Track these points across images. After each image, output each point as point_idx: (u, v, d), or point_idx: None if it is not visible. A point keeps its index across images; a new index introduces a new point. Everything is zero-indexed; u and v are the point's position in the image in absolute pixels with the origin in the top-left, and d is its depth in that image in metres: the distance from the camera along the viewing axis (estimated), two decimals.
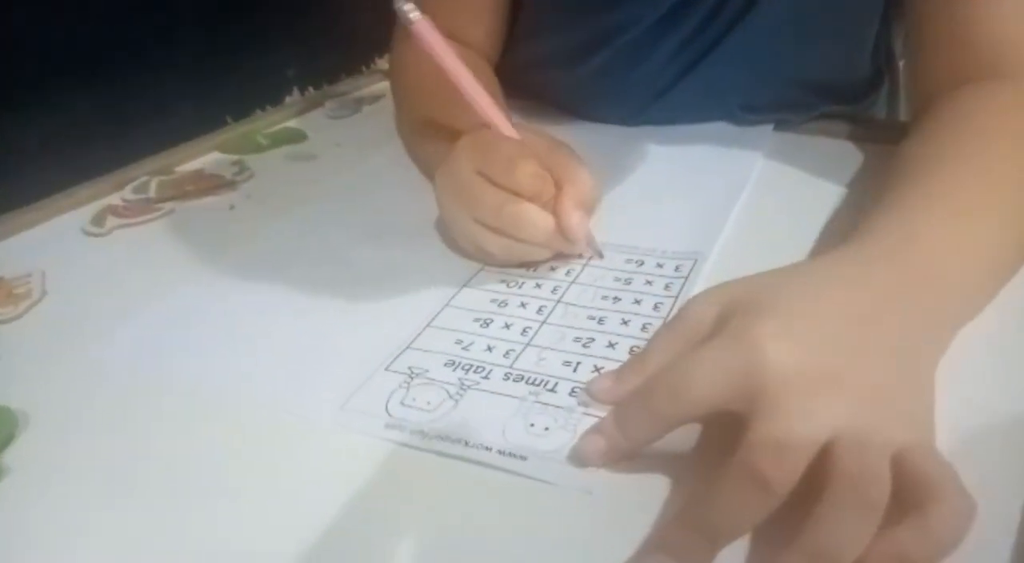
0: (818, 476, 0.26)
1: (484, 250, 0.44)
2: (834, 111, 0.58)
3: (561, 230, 0.42)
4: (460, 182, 0.44)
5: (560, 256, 0.45)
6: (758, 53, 0.55)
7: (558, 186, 0.42)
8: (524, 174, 0.41)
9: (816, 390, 0.28)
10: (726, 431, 0.29)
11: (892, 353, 0.30)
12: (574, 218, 0.42)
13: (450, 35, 0.61)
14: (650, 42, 0.58)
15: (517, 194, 0.42)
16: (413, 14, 0.43)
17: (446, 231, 0.48)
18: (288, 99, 0.85)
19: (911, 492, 0.26)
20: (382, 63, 0.92)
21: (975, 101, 0.42)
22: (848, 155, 0.54)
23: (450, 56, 0.43)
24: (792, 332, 0.29)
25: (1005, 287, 0.37)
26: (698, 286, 0.42)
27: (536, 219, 0.42)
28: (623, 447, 0.31)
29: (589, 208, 0.44)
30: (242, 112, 0.79)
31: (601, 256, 0.45)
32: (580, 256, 0.46)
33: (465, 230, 0.45)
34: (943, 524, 0.25)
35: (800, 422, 0.27)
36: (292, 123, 0.72)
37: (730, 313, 0.31)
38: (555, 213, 0.42)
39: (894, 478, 0.26)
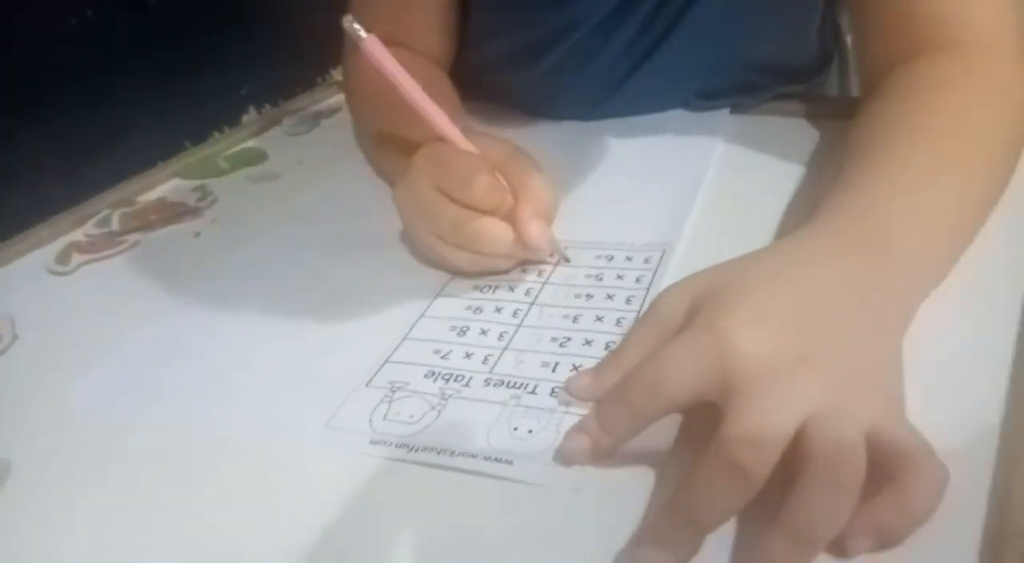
0: (796, 456, 0.27)
1: (450, 264, 0.45)
2: (788, 91, 0.59)
3: (522, 241, 0.42)
4: (418, 199, 0.44)
5: (528, 262, 0.46)
6: (709, 39, 0.56)
7: (516, 195, 0.43)
8: (480, 188, 0.41)
9: (786, 373, 0.28)
10: (705, 420, 0.30)
11: (858, 329, 0.31)
12: (533, 228, 0.42)
13: (401, 43, 0.61)
14: (601, 37, 0.59)
15: (475, 208, 0.42)
16: (362, 31, 0.43)
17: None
18: (245, 118, 0.84)
19: (886, 464, 0.27)
20: (337, 74, 0.91)
21: (917, 77, 0.43)
22: (805, 133, 0.55)
23: (400, 72, 0.43)
24: (758, 318, 0.30)
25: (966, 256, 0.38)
26: (668, 276, 0.43)
27: (496, 233, 0.42)
28: (606, 444, 0.31)
29: (548, 216, 0.44)
30: (200, 135, 0.79)
31: (567, 260, 0.45)
32: (546, 262, 0.46)
33: (429, 246, 0.45)
34: (917, 493, 0.26)
35: (773, 409, 0.27)
36: (251, 143, 0.72)
37: (700, 303, 0.32)
38: (514, 224, 0.42)
39: (869, 452, 0.27)
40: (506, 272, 0.45)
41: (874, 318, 0.32)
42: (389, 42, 0.61)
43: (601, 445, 0.32)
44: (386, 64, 0.42)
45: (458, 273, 0.46)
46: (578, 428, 0.33)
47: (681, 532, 0.27)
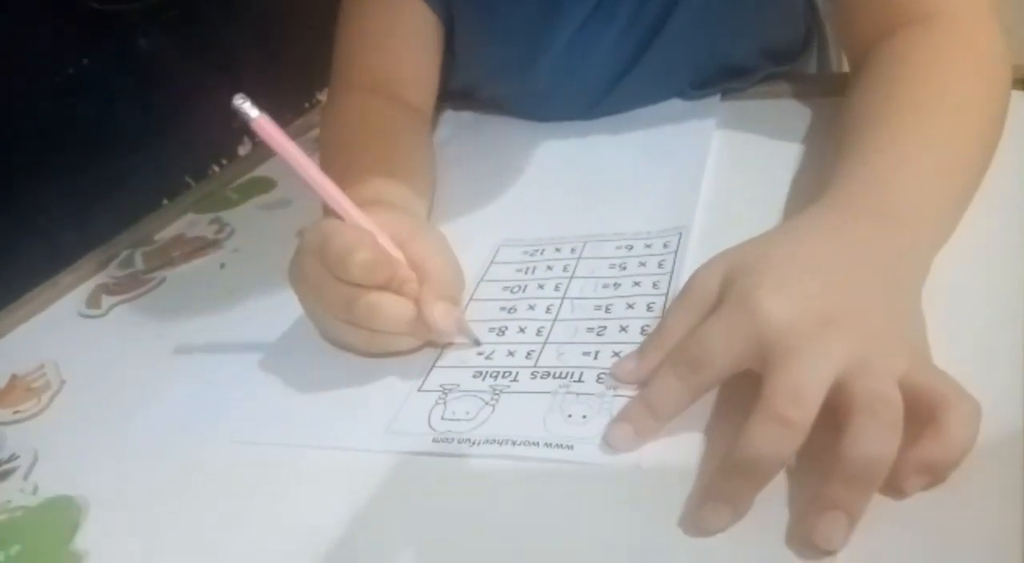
0: (837, 410, 0.29)
1: (346, 343, 0.43)
2: (774, 72, 0.62)
3: (425, 323, 0.40)
4: (305, 278, 0.42)
5: (433, 343, 0.43)
6: (698, 31, 0.58)
7: (418, 275, 0.41)
8: (357, 266, 0.39)
9: (817, 334, 0.31)
10: (745, 390, 0.32)
11: (879, 288, 0.33)
12: (436, 310, 0.40)
13: (383, 85, 0.63)
14: (586, 40, 0.61)
15: (363, 286, 0.40)
16: (252, 111, 0.39)
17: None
18: (241, 149, 0.86)
19: (922, 408, 0.29)
20: (322, 96, 0.93)
21: (902, 50, 0.46)
22: (795, 112, 0.57)
23: (294, 148, 0.41)
24: (786, 288, 0.32)
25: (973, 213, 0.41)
26: (688, 258, 0.45)
27: (391, 310, 0.40)
28: (650, 426, 0.34)
29: (452, 296, 0.42)
30: (200, 171, 0.80)
31: (478, 343, 0.43)
32: (453, 343, 0.43)
33: (322, 326, 0.44)
34: (956, 427, 0.29)
35: (808, 366, 0.30)
36: (257, 172, 0.73)
37: (731, 280, 0.34)
38: (419, 304, 0.40)
39: (904, 399, 0.29)
40: (409, 352, 0.43)
41: (892, 275, 0.34)
42: (375, 90, 0.63)
43: (645, 428, 0.34)
44: (280, 142, 0.40)
45: (357, 353, 0.44)
46: (620, 417, 0.35)
47: (738, 487, 0.29)
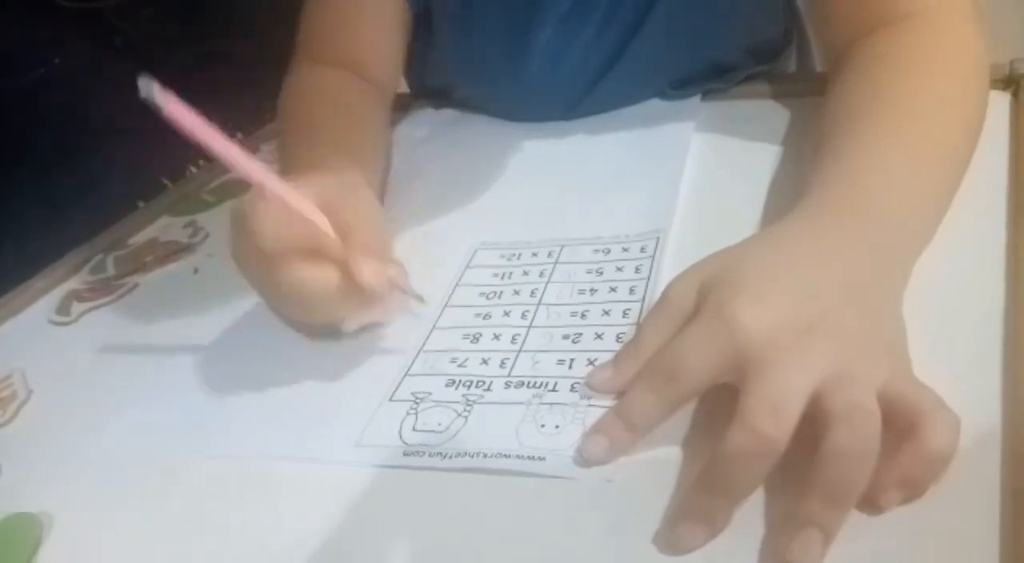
0: (815, 421, 0.29)
1: (292, 321, 0.42)
2: (756, 71, 0.61)
3: (353, 282, 0.38)
4: (237, 257, 0.41)
5: (375, 324, 0.42)
6: (679, 29, 0.58)
7: (345, 235, 0.39)
8: (261, 233, 0.37)
9: (794, 345, 0.30)
10: (724, 402, 0.32)
11: (857, 294, 0.32)
12: (364, 269, 0.38)
13: (345, 59, 0.62)
14: (564, 38, 0.60)
15: (281, 255, 0.38)
16: (159, 96, 0.36)
17: (419, 254, 0.50)
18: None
19: (901, 419, 0.28)
20: None
21: (882, 49, 0.45)
22: (774, 112, 0.57)
23: (204, 127, 0.38)
24: (762, 297, 0.31)
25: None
26: (666, 263, 0.44)
27: (316, 276, 0.38)
28: (625, 438, 0.33)
29: (380, 253, 0.40)
30: (177, 172, 0.79)
31: (423, 301, 0.42)
32: (401, 309, 0.42)
33: (273, 308, 0.43)
34: (935, 441, 0.28)
35: (785, 377, 0.29)
36: (234, 174, 0.72)
37: (707, 289, 0.33)
38: (345, 266, 0.38)
39: (883, 409, 0.28)
40: (360, 331, 0.42)
41: (872, 280, 0.33)
42: (338, 64, 0.63)
43: (621, 441, 0.33)
44: (189, 122, 0.37)
45: (311, 332, 0.43)
46: (595, 429, 0.34)
47: (715, 504, 0.29)
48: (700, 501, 0.29)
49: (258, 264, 0.40)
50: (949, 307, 0.36)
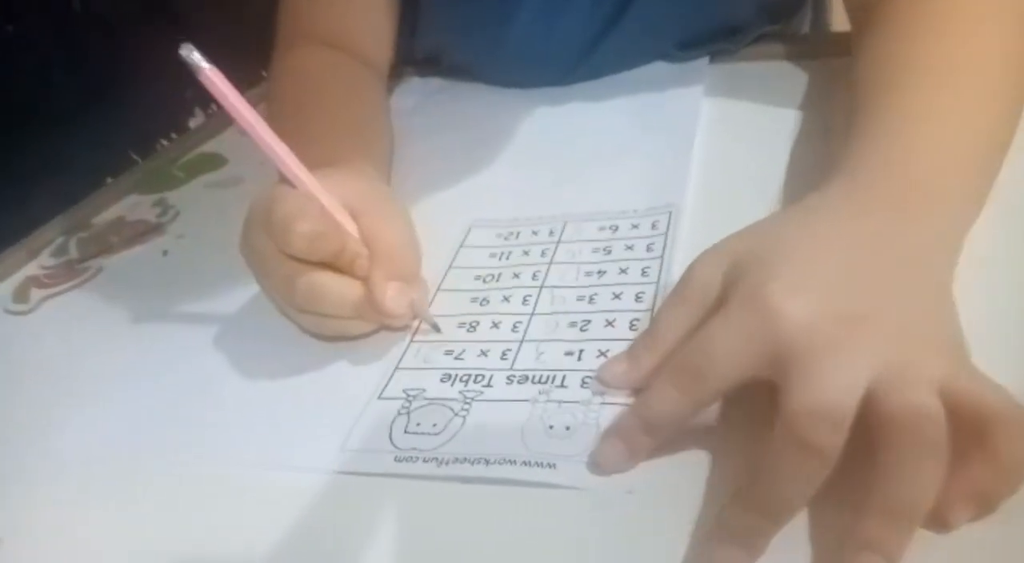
0: (868, 426, 0.25)
1: (300, 327, 0.40)
2: (767, 32, 0.57)
3: (373, 306, 0.36)
4: (252, 252, 0.39)
5: (389, 327, 0.39)
6: None
7: (372, 249, 0.37)
8: (298, 235, 0.35)
9: (842, 339, 0.26)
10: (757, 399, 0.28)
11: (906, 279, 0.29)
12: (387, 292, 0.36)
13: (341, 45, 0.58)
14: None
15: (308, 261, 0.36)
16: (202, 62, 0.35)
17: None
18: (192, 122, 0.79)
19: (969, 421, 0.25)
20: None
21: (915, 4, 0.40)
22: (789, 75, 0.53)
23: (243, 105, 0.36)
24: (803, 283, 0.28)
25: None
26: (681, 241, 0.40)
27: (335, 291, 0.36)
28: (646, 443, 0.29)
29: (406, 275, 0.38)
30: (146, 146, 0.74)
31: (438, 330, 0.38)
32: (408, 328, 0.39)
33: (278, 308, 0.40)
34: (1008, 447, 0.24)
35: (835, 378, 0.25)
36: (206, 148, 0.67)
37: (736, 273, 0.29)
38: (369, 284, 0.36)
39: (947, 411, 0.25)
40: (366, 336, 0.39)
41: (921, 266, 0.30)
42: (330, 43, 0.58)
43: (640, 446, 0.29)
44: (228, 97, 0.36)
45: (313, 336, 0.40)
46: (611, 432, 0.30)
47: (756, 525, 0.25)
48: (739, 521, 0.25)
49: (276, 267, 0.37)
50: (1001, 287, 0.33)
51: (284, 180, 0.38)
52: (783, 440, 0.25)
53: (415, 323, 0.39)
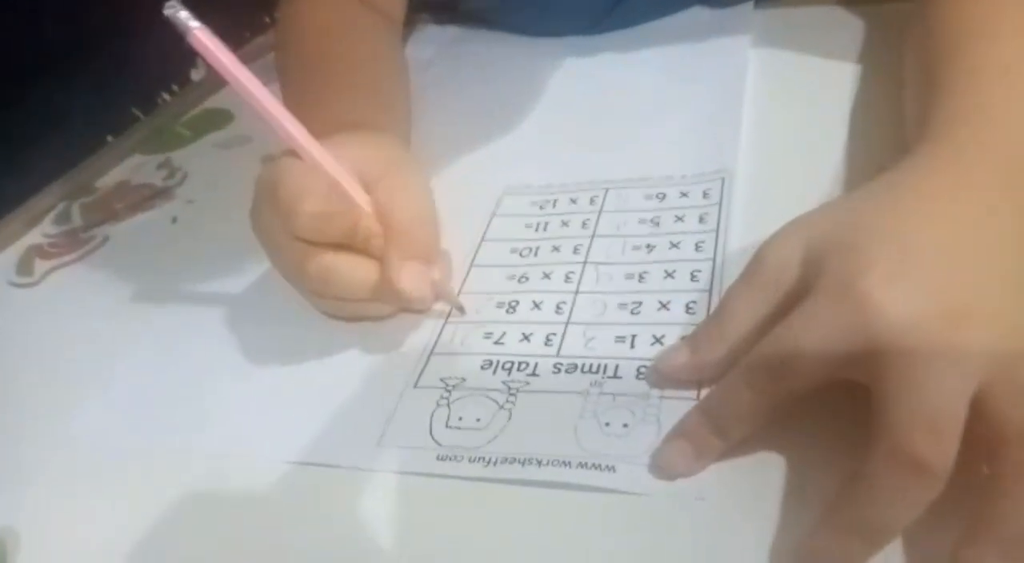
0: (975, 435, 0.22)
1: (322, 311, 0.37)
2: None
3: (390, 288, 0.33)
4: (262, 232, 0.36)
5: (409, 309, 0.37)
6: None
7: (387, 226, 0.34)
8: (306, 216, 0.32)
9: (949, 336, 0.23)
10: (843, 394, 0.25)
11: (1016, 262, 0.25)
12: (404, 275, 0.33)
13: None
14: None
15: (318, 242, 0.33)
16: (191, 20, 0.32)
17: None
18: (195, 73, 0.75)
19: None
20: None
21: None
22: (844, 21, 0.49)
23: (238, 68, 0.33)
24: (903, 272, 0.24)
25: None
26: (737, 212, 0.37)
27: (349, 274, 0.34)
28: (716, 446, 0.27)
29: (425, 254, 0.35)
30: (148, 101, 0.70)
31: (463, 311, 0.36)
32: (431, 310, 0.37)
33: (298, 290, 0.37)
34: None
35: (942, 382, 0.22)
36: (211, 103, 0.63)
37: (819, 257, 0.26)
38: (384, 265, 0.34)
39: None
40: (389, 317, 0.37)
41: None
42: None
43: (710, 448, 0.27)
44: (221, 59, 0.32)
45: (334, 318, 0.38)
46: (677, 432, 0.28)
47: (853, 549, 0.23)
48: (834, 545, 0.23)
49: (287, 246, 0.35)
50: None
51: (291, 150, 0.35)
52: (888, 457, 0.22)
53: (448, 310, 0.36)
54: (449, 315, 0.36)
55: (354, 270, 0.34)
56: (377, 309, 0.36)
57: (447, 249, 0.39)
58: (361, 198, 0.35)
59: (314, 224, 0.33)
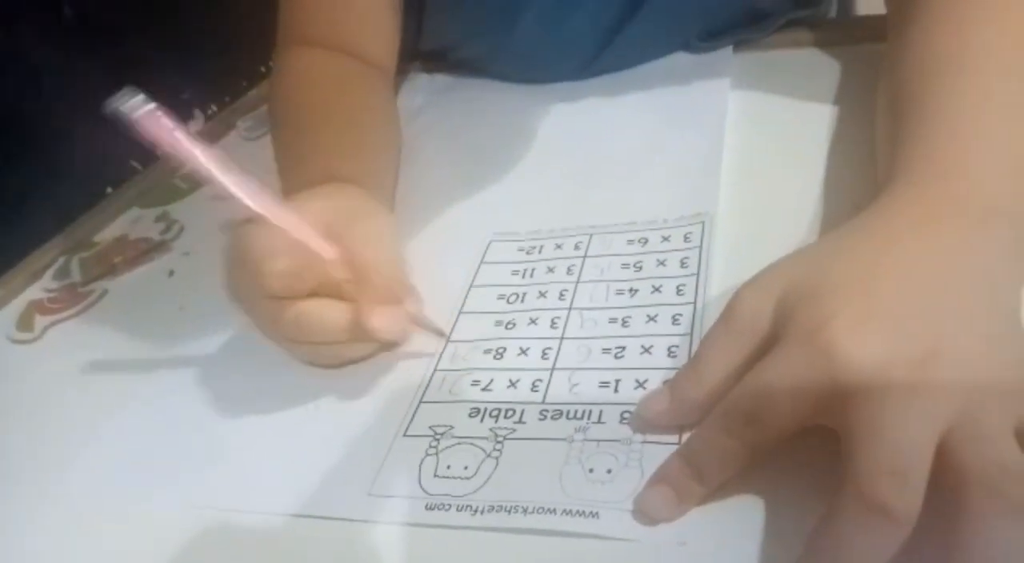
0: (940, 479, 0.23)
1: (304, 361, 0.39)
2: (793, 18, 0.54)
3: (365, 332, 0.34)
4: (236, 294, 0.38)
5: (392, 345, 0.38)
6: None
7: (355, 272, 0.35)
8: (274, 276, 0.34)
9: (915, 379, 0.24)
10: (819, 439, 0.26)
11: (981, 307, 0.26)
12: (375, 319, 0.34)
13: (339, 39, 0.55)
14: None
15: (287, 297, 0.35)
16: (138, 108, 0.32)
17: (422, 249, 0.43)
18: (192, 125, 0.77)
19: None
20: None
21: None
22: (821, 64, 0.50)
23: (188, 143, 0.33)
24: (869, 319, 0.25)
25: None
26: (717, 255, 0.38)
27: (322, 318, 0.35)
28: (695, 491, 0.27)
29: (393, 296, 0.36)
30: (147, 154, 0.71)
31: (443, 335, 0.38)
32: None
33: (279, 346, 0.38)
34: None
35: (907, 427, 0.23)
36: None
37: (790, 305, 0.27)
38: (356, 308, 0.35)
39: None
40: (370, 357, 0.38)
41: (989, 288, 0.27)
42: (331, 46, 0.55)
43: (690, 493, 0.27)
44: (170, 138, 0.33)
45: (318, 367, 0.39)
46: (658, 477, 0.28)
47: None
48: None
49: (261, 305, 0.36)
50: None
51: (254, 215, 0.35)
52: (854, 504, 0.22)
53: (437, 357, 0.37)
54: (438, 363, 0.37)
55: (327, 313, 0.35)
56: (353, 350, 0.37)
57: (431, 289, 0.40)
58: (325, 249, 0.35)
59: (284, 281, 0.34)
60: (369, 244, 0.36)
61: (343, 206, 0.38)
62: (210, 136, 0.68)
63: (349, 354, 0.38)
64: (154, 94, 0.74)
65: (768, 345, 0.27)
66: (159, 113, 0.32)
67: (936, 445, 0.23)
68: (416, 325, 0.38)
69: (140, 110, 0.32)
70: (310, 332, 0.35)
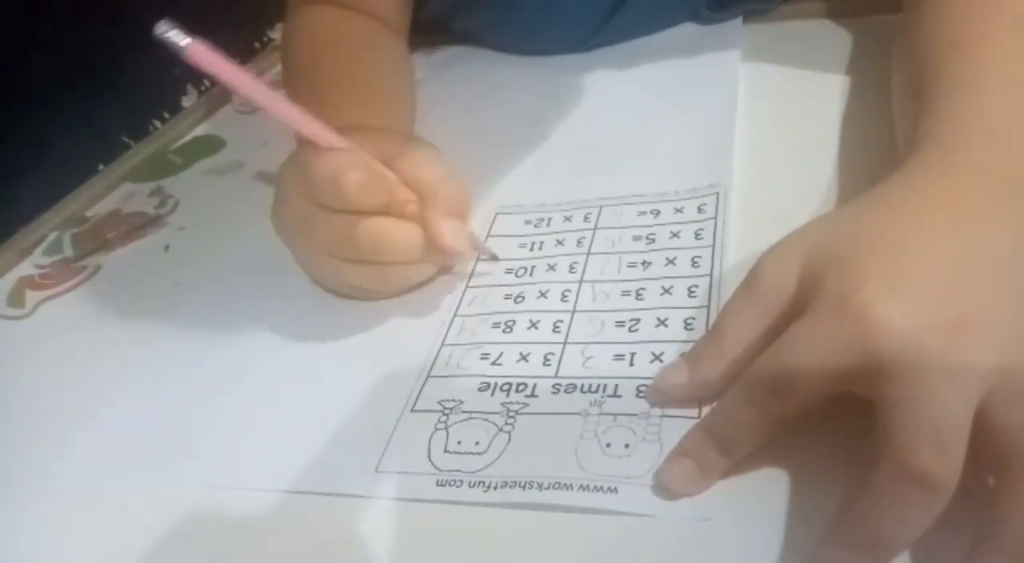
0: (979, 444, 0.22)
1: (356, 287, 0.38)
2: None
3: (435, 245, 0.35)
4: (295, 218, 0.37)
5: (447, 269, 0.39)
6: None
7: (418, 194, 0.36)
8: (351, 187, 0.34)
9: (951, 347, 0.23)
10: (848, 408, 0.25)
11: (1015, 272, 0.25)
12: (445, 229, 0.35)
13: (354, 6, 0.54)
14: None
15: (359, 212, 0.35)
16: (181, 39, 0.33)
17: None
18: (186, 101, 0.75)
19: None
20: (276, 34, 0.82)
21: None
22: (832, 35, 0.49)
23: (237, 73, 0.34)
24: (902, 285, 0.24)
25: None
26: (733, 226, 0.37)
27: (398, 235, 0.35)
28: (719, 463, 0.26)
29: (459, 211, 0.36)
30: (139, 129, 0.70)
31: (496, 258, 0.39)
32: (470, 264, 0.39)
33: (325, 270, 0.38)
34: None
35: (945, 395, 0.22)
36: (202, 129, 0.63)
37: (817, 271, 0.26)
38: (424, 225, 0.35)
39: None
40: (428, 282, 0.39)
41: None
42: (346, 7, 0.54)
43: (713, 467, 0.26)
44: (220, 68, 0.33)
45: (369, 297, 0.39)
46: (679, 451, 0.27)
47: None
48: (837, 559, 0.22)
49: (329, 223, 0.36)
50: None
51: (305, 145, 0.36)
52: (892, 472, 0.22)
53: (444, 331, 0.36)
54: (445, 337, 0.36)
55: (403, 231, 0.35)
56: (419, 272, 0.38)
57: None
58: (387, 171, 0.36)
59: (359, 192, 0.34)
60: (425, 165, 0.36)
61: (387, 139, 0.38)
62: (205, 112, 0.66)
63: (415, 276, 0.38)
64: (144, 67, 0.72)
65: (793, 313, 0.26)
66: (200, 45, 0.33)
67: (974, 414, 0.22)
68: (475, 247, 0.38)
69: (181, 43, 0.33)
70: (384, 248, 0.35)
